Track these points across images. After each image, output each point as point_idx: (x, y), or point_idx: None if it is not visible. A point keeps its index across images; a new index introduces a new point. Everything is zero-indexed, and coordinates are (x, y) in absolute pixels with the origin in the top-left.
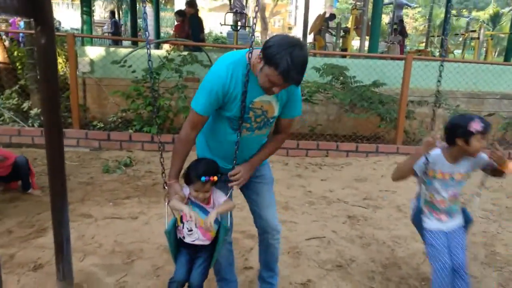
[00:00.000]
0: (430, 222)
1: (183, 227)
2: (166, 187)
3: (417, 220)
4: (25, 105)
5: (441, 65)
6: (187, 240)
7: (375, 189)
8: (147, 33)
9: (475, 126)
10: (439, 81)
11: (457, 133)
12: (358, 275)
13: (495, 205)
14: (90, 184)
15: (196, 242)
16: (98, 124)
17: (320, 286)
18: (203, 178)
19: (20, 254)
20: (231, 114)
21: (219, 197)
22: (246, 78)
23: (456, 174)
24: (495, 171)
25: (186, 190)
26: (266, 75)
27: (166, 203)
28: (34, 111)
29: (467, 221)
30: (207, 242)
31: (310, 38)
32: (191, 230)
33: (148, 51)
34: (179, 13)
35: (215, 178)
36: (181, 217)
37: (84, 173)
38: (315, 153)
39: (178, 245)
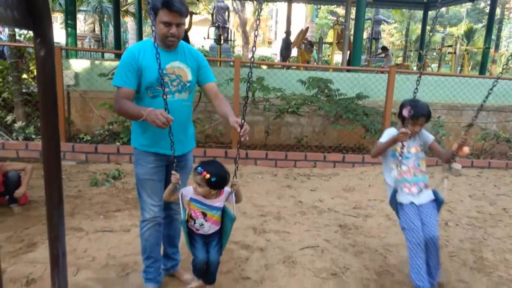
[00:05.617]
0: (403, 197)
1: (194, 223)
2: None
3: (392, 199)
4: (9, 118)
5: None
6: (201, 232)
7: (364, 199)
8: (155, 43)
9: (405, 112)
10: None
11: (398, 115)
12: (353, 283)
13: (480, 212)
14: (78, 198)
15: (209, 232)
16: (85, 137)
17: None
18: (198, 169)
19: (11, 270)
20: (149, 81)
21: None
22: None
23: (412, 148)
24: (443, 153)
25: (189, 191)
26: (159, 21)
27: (180, 195)
28: (18, 124)
29: (439, 202)
30: (217, 228)
31: (294, 52)
32: (202, 225)
33: (158, 60)
34: None
35: (207, 175)
36: (191, 215)
37: (72, 187)
38: (303, 164)
39: (191, 234)
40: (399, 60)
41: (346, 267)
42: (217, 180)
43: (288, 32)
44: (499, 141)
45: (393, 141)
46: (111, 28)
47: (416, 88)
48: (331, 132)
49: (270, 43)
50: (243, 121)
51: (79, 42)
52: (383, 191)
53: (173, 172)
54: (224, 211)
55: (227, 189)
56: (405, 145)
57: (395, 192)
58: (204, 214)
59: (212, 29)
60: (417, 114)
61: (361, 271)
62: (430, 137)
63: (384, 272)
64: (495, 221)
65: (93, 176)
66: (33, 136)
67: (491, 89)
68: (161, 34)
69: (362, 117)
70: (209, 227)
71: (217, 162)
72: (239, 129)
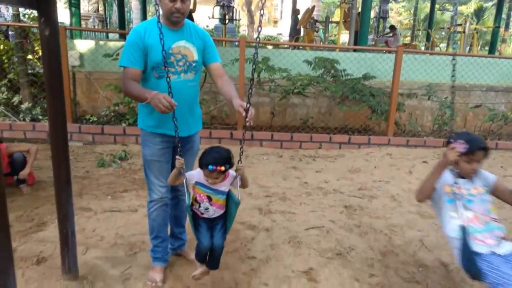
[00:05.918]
0: (478, 247)
1: (199, 207)
2: (179, 158)
3: (464, 253)
4: (15, 99)
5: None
6: (205, 216)
7: (369, 180)
8: (159, 23)
9: (458, 146)
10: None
11: None
12: (358, 263)
13: None
14: (86, 178)
15: (213, 216)
16: (91, 118)
17: (322, 273)
18: (210, 167)
19: (21, 248)
20: (154, 61)
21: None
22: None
23: (472, 189)
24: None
25: (193, 175)
26: None
27: (184, 180)
28: (25, 105)
29: None
30: (221, 212)
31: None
32: (207, 209)
33: (162, 41)
34: None
35: (222, 168)
36: (195, 198)
37: (79, 167)
38: (309, 145)
39: (196, 218)
40: (407, 39)
41: (351, 247)
42: (229, 165)
43: (296, 11)
44: (507, 122)
45: (441, 166)
46: (115, 7)
47: (454, 70)
48: (337, 113)
49: (275, 22)
50: (248, 105)
51: (83, 22)
52: (388, 172)
53: (177, 157)
54: (229, 195)
55: (232, 173)
56: (459, 183)
57: (465, 243)
58: (210, 198)
59: (217, 8)
60: (473, 147)
61: (365, 251)
62: (492, 177)
63: (389, 252)
64: (501, 203)
65: (100, 157)
66: (40, 117)
67: None
68: (166, 9)
69: (369, 98)
70: (214, 211)
71: (216, 148)
72: (244, 114)
